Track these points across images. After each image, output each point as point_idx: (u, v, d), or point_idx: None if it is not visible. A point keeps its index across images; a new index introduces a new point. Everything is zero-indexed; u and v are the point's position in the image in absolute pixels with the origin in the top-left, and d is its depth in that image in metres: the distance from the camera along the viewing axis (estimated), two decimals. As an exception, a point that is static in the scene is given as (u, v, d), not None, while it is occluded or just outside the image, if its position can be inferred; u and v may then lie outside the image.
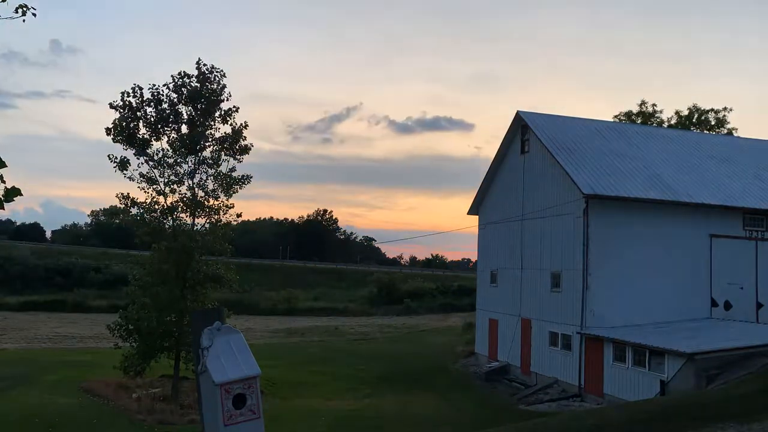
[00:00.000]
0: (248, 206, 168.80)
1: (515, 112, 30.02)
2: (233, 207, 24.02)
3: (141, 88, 22.96)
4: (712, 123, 50.35)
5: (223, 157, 23.73)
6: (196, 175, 23.55)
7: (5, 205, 3.67)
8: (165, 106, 23.13)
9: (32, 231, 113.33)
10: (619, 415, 12.16)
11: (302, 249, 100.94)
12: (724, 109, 50.69)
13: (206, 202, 23.57)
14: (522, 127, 30.08)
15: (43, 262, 69.91)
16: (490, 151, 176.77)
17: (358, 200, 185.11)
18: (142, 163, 23.10)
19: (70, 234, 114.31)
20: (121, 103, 22.77)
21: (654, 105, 51.07)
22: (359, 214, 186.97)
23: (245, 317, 50.29)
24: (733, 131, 49.35)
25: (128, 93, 22.80)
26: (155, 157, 23.15)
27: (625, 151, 28.92)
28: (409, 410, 22.93)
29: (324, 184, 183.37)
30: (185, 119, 23.41)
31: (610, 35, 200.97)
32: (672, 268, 25.14)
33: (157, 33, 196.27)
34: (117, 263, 64.77)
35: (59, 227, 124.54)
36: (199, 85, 23.21)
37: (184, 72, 23.17)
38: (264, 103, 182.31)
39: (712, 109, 50.87)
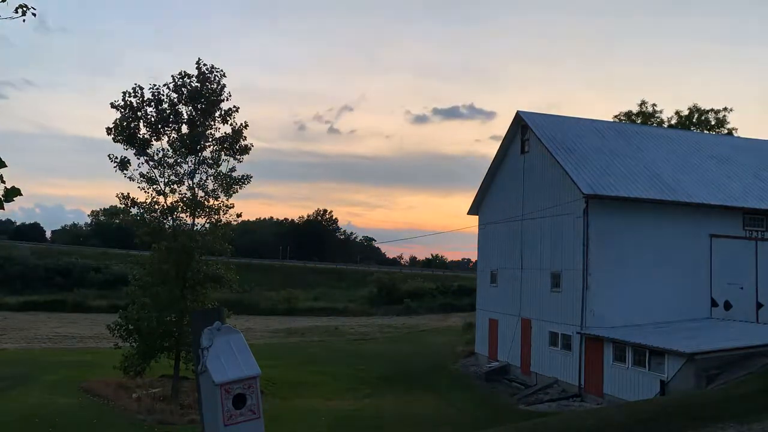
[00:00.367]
0: (243, 205, 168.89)
1: (515, 112, 30.08)
2: (233, 207, 24.08)
3: (142, 88, 23.01)
4: (712, 123, 50.36)
5: (223, 157, 23.76)
6: (196, 175, 23.59)
7: (5, 205, 3.67)
8: (165, 106, 23.15)
9: (32, 231, 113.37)
10: (619, 415, 12.16)
11: (302, 249, 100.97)
12: (724, 109, 50.76)
13: (206, 202, 23.58)
14: (522, 127, 30.09)
15: (43, 262, 69.93)
16: (490, 150, 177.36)
17: (356, 199, 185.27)
18: (142, 163, 23.15)
19: (70, 234, 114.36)
20: (122, 103, 22.79)
21: (654, 105, 51.12)
22: (358, 213, 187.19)
23: (245, 317, 50.30)
24: (733, 131, 49.38)
25: (129, 93, 22.84)
26: (155, 157, 23.18)
27: (625, 151, 28.93)
28: (409, 410, 22.93)
29: (321, 182, 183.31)
30: (185, 119, 23.43)
31: (611, 35, 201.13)
32: (672, 268, 25.14)
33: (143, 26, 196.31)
34: (117, 263, 64.77)
35: (59, 227, 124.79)
36: (199, 84, 23.23)
37: (184, 72, 23.22)
38: (259, 100, 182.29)
39: (712, 109, 50.93)
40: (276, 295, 65.04)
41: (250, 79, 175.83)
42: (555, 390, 25.03)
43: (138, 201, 23.18)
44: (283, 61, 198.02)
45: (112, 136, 22.71)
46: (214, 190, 23.64)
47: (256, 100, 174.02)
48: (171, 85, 23.13)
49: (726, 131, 49.32)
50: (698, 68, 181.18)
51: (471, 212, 34.88)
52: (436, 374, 30.10)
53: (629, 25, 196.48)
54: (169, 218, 23.51)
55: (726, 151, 31.76)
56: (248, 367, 3.61)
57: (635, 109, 51.12)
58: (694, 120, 50.59)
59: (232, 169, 23.76)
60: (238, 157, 23.95)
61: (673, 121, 50.65)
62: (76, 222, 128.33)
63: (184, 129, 23.40)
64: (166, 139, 23.25)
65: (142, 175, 23.01)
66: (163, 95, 23.10)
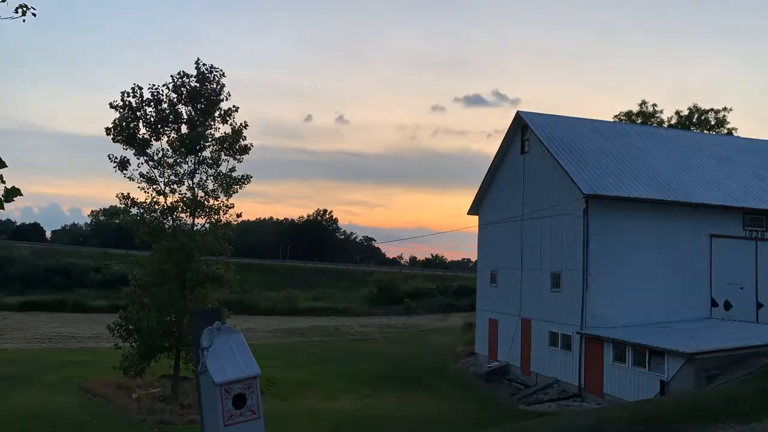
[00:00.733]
0: (240, 204, 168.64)
1: (515, 112, 30.12)
2: (233, 207, 24.05)
3: (141, 88, 22.96)
4: (712, 123, 50.38)
5: (223, 157, 23.74)
6: (196, 175, 23.55)
7: (5, 205, 3.67)
8: (165, 106, 23.13)
9: (32, 231, 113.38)
10: (619, 415, 12.14)
11: (302, 249, 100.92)
12: (724, 109, 50.81)
13: (206, 202, 23.56)
14: (522, 127, 30.10)
15: (43, 262, 69.97)
16: (490, 149, 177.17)
17: (354, 198, 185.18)
18: (142, 163, 23.12)
19: (69, 234, 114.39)
20: (121, 103, 22.77)
21: (654, 105, 51.19)
22: (357, 212, 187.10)
23: (245, 317, 50.25)
24: (733, 131, 49.40)
25: (128, 93, 22.80)
26: (155, 157, 23.16)
27: (625, 150, 28.93)
28: (409, 410, 22.92)
29: (320, 181, 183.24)
30: (185, 119, 23.40)
31: (611, 35, 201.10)
32: (672, 268, 25.15)
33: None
34: (117, 263, 64.78)
35: (59, 227, 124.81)
36: (198, 84, 23.21)
37: (183, 72, 23.16)
38: (259, 100, 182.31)
39: (712, 109, 50.97)
40: (276, 295, 65.03)
41: (249, 78, 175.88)
42: (555, 390, 25.03)
43: (138, 201, 23.17)
44: (283, 61, 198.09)
45: (112, 136, 22.68)
46: (214, 190, 23.62)
47: (257, 100, 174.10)
48: (170, 85, 23.08)
49: (726, 131, 49.33)
50: (699, 68, 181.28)
51: (471, 212, 34.88)
52: (436, 374, 30.09)
53: (629, 25, 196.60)
54: (169, 218, 23.48)
55: (726, 151, 31.76)
56: (248, 367, 3.61)
57: (635, 109, 51.22)
58: (694, 120, 50.62)
59: (232, 169, 23.77)
60: (238, 157, 23.93)
61: (673, 121, 50.67)
62: (75, 222, 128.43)
63: (184, 129, 23.38)
64: (165, 139, 23.25)
65: (141, 175, 23.00)
66: (163, 95, 23.06)
